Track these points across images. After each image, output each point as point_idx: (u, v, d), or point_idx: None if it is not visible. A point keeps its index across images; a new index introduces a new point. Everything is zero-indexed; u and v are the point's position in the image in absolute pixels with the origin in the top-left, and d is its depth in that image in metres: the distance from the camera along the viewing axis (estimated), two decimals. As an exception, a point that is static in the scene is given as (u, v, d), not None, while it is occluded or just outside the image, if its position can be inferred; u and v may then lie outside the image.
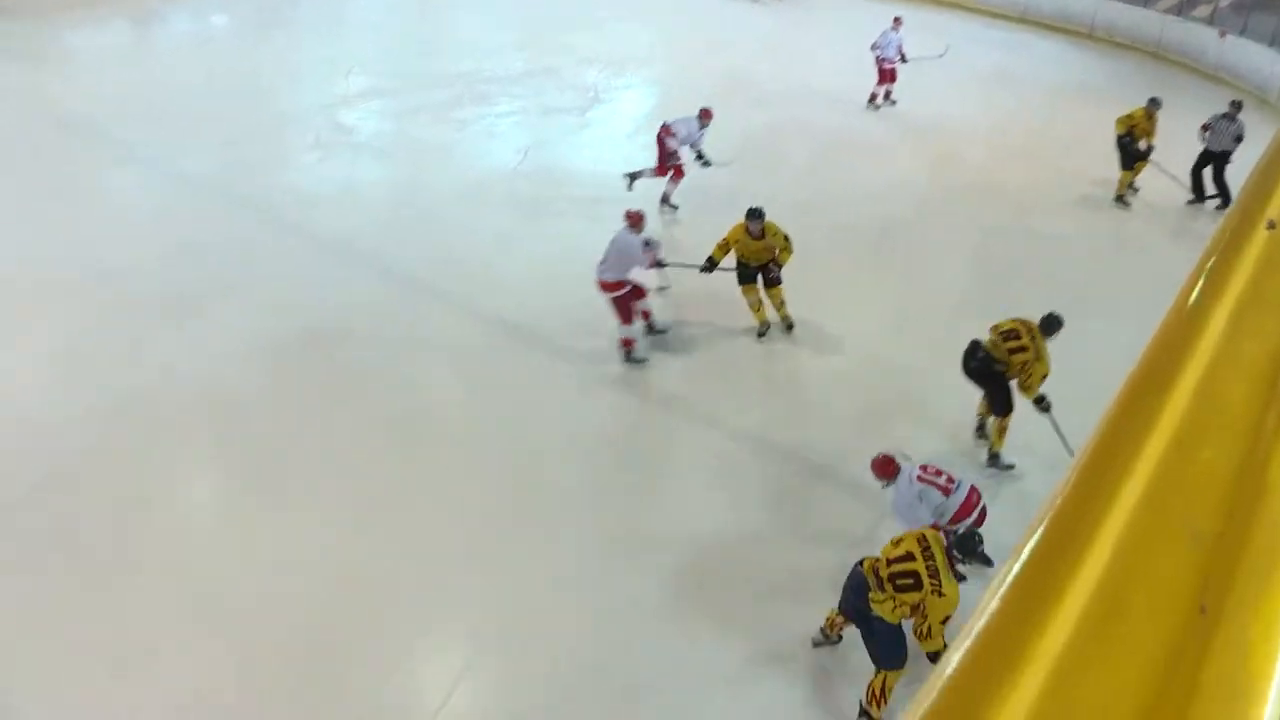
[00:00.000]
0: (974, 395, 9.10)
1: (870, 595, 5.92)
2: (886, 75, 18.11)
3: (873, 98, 18.36)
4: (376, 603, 6.98)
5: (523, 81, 18.49)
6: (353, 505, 7.93)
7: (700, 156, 13.56)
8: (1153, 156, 14.62)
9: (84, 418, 8.87)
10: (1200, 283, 1.41)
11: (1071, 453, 7.85)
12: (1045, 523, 1.40)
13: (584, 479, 8.48)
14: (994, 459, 8.94)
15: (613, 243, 9.91)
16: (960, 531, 6.05)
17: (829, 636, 6.71)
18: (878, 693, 6.13)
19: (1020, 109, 19.35)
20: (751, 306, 10.63)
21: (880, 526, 7.57)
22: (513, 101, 17.50)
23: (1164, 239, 14.05)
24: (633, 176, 13.26)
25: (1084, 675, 1.20)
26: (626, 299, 9.93)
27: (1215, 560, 1.41)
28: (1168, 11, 24.85)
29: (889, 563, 5.88)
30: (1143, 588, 1.34)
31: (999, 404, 8.73)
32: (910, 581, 5.77)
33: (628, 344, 10.14)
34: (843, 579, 6.33)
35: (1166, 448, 1.47)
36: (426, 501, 8.03)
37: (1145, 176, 14.95)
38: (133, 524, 7.63)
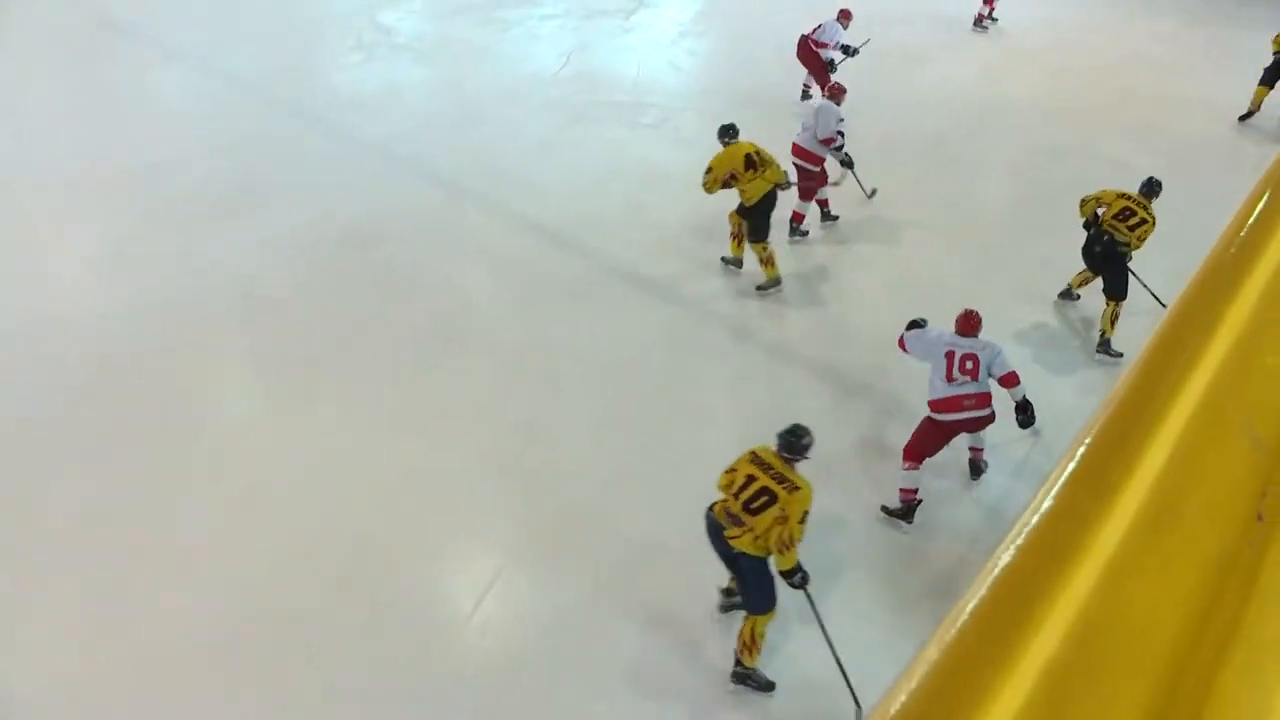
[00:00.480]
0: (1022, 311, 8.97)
1: (727, 534, 5.76)
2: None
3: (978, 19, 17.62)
4: (411, 507, 7.04)
5: (566, -18, 18.17)
6: (390, 409, 7.98)
7: (849, 50, 13.19)
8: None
9: (129, 314, 9.01)
10: (1266, 196, 1.36)
11: (1163, 304, 7.89)
12: (1103, 419, 1.36)
13: (620, 391, 8.41)
14: (1105, 345, 8.97)
15: (817, 111, 10.01)
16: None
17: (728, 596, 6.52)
18: (748, 640, 5.96)
19: (1088, 22, 18.64)
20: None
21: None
22: (557, 4, 17.21)
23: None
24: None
25: (1137, 576, 1.16)
26: (812, 178, 10.17)
27: (1276, 468, 1.37)
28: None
29: (736, 495, 5.74)
30: (1199, 491, 1.30)
31: (1118, 288, 8.83)
32: (765, 499, 5.65)
33: (798, 217, 10.42)
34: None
35: (1229, 351, 1.41)
36: (461, 407, 8.05)
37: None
38: (178, 424, 7.74)
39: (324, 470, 7.31)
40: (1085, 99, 14.83)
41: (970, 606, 1.12)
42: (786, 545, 5.60)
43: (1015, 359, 7.40)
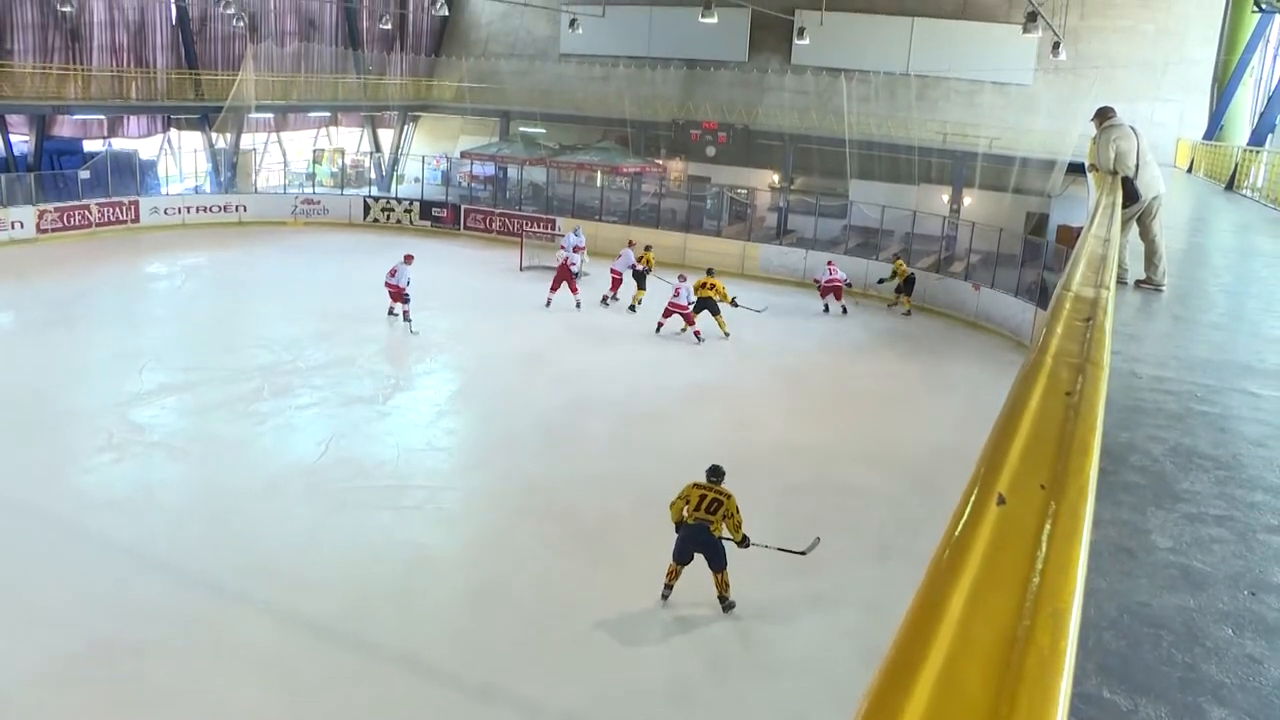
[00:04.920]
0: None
1: (711, 528, 10.31)
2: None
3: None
4: None
5: (322, 372, 18.54)
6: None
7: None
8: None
9: None
10: (939, 564, 1.53)
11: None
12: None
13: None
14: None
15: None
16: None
17: (670, 586, 10.71)
18: (726, 582, 10.64)
19: (805, 369, 20.45)
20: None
21: None
22: (313, 393, 17.49)
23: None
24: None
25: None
26: None
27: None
28: (929, 269, 27.31)
29: (698, 507, 10.32)
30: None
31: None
32: (716, 503, 10.34)
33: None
34: None
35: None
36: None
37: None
38: None
39: None
40: (819, 435, 16.08)
41: None
42: (738, 525, 10.42)
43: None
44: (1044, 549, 1.39)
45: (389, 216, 35.00)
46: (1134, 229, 7.69)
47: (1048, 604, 1.24)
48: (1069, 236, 24.93)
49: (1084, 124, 9.37)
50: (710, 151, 35.95)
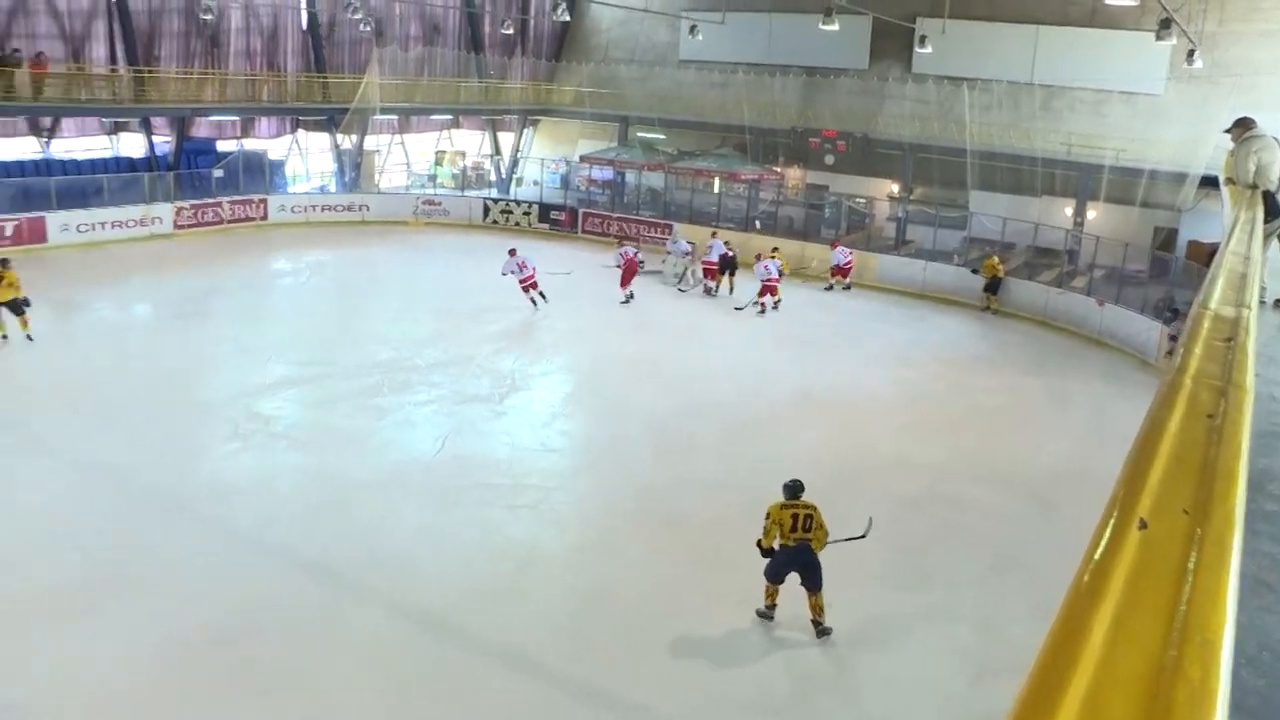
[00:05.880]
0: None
1: (811, 543, 10.17)
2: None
3: None
4: None
5: (441, 369, 18.88)
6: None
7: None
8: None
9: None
10: (1079, 587, 1.50)
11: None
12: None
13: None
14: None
15: None
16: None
17: (773, 607, 10.51)
18: (821, 605, 10.30)
19: (921, 380, 20.13)
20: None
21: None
22: (431, 390, 17.81)
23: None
24: None
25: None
26: None
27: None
28: (1050, 284, 26.68)
29: (794, 528, 10.15)
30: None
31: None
32: (806, 519, 10.20)
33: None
34: None
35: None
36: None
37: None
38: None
39: None
40: (934, 448, 15.82)
41: None
42: (826, 534, 10.29)
43: None
44: (1191, 577, 1.35)
45: (508, 218, 35.43)
46: (1275, 246, 7.40)
47: (1196, 634, 1.20)
48: (1200, 253, 24.14)
49: (1219, 135, 8.98)
50: (829, 159, 35.61)
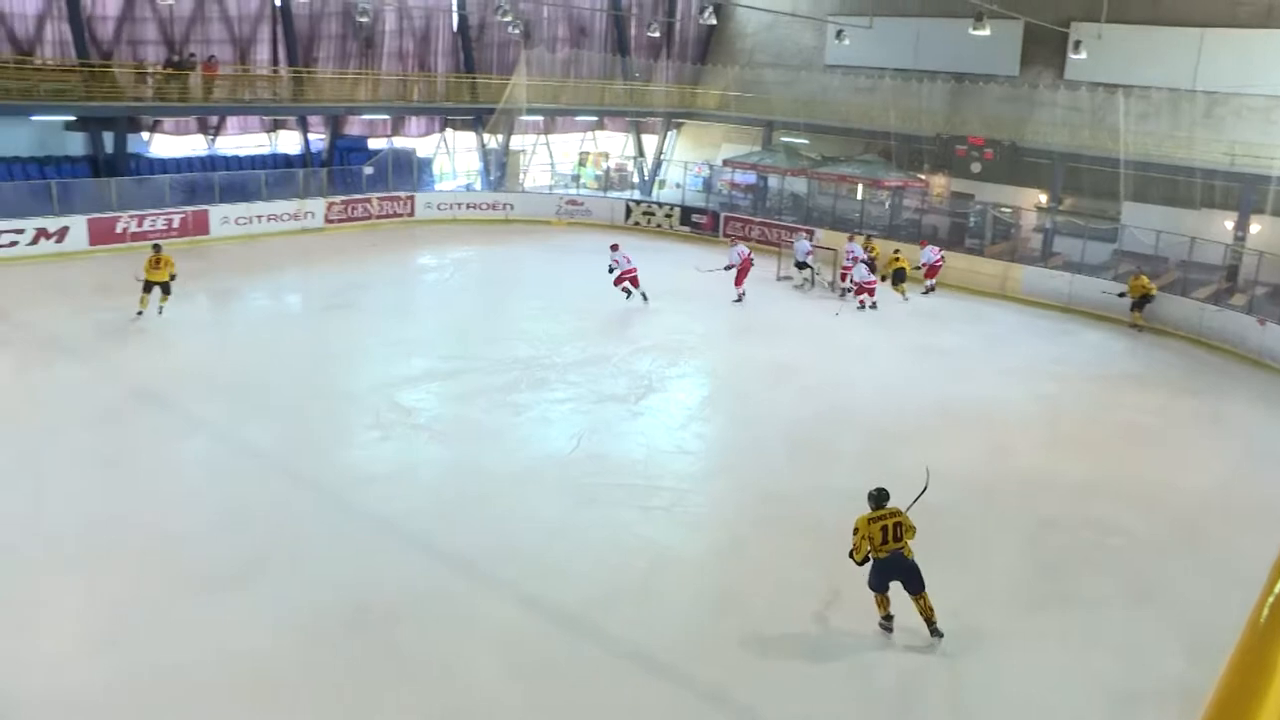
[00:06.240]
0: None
1: (903, 550, 10.03)
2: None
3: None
4: None
5: (579, 368, 19.00)
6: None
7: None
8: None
9: (123, 689, 8.83)
10: (1256, 622, 1.39)
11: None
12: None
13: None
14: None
15: None
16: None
17: (889, 617, 10.35)
18: (932, 607, 10.13)
19: (1065, 396, 19.49)
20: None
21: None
22: (569, 388, 17.95)
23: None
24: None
25: None
26: None
27: None
28: (1206, 300, 25.53)
29: (885, 541, 9.99)
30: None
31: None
32: (898, 527, 10.08)
33: None
34: None
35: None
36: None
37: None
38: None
39: None
40: (1078, 468, 15.30)
41: None
42: (914, 530, 10.19)
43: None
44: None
45: (650, 220, 35.57)
46: None
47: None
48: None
49: None
50: (975, 168, 34.74)
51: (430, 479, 14.07)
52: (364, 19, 31.67)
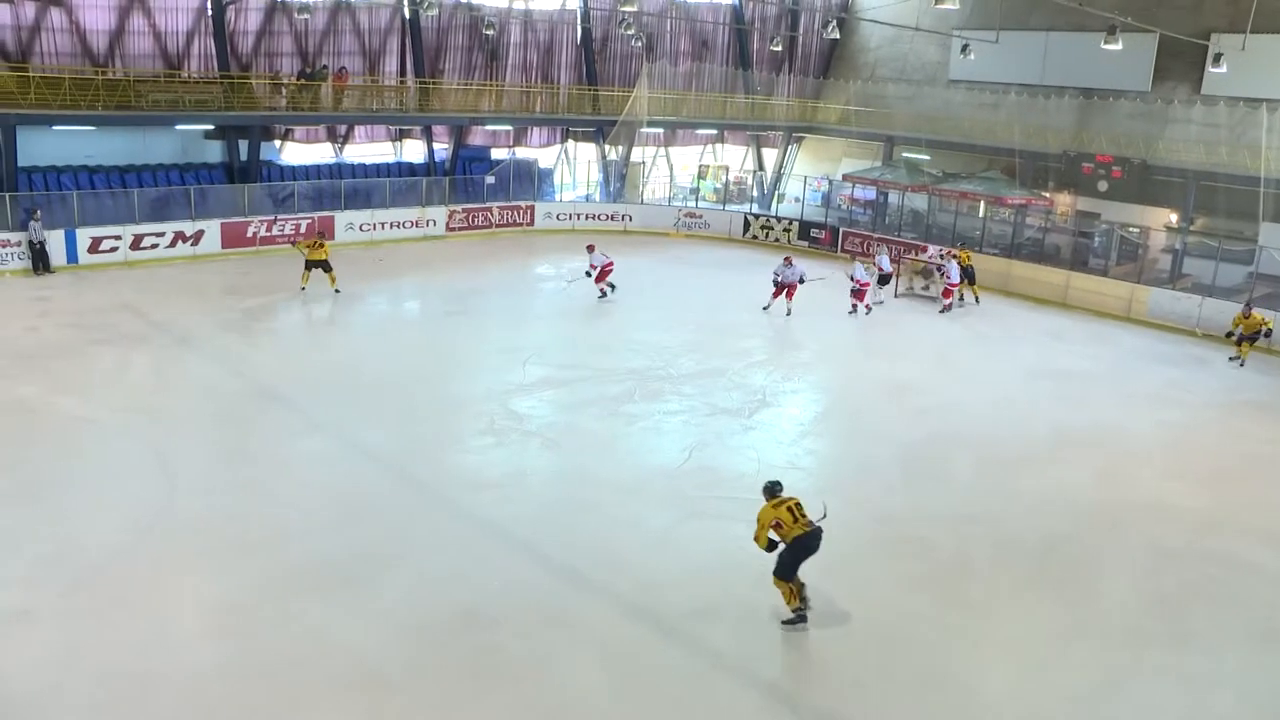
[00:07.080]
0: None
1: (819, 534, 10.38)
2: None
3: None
4: None
5: (693, 381, 19.00)
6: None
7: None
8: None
9: (235, 676, 9.19)
10: None
11: None
12: None
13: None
14: None
15: None
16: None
17: (801, 609, 10.50)
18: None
19: (1189, 424, 18.84)
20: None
21: None
22: (681, 400, 17.95)
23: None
24: None
25: None
26: None
27: None
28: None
29: (797, 518, 10.29)
30: None
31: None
32: (798, 506, 10.41)
33: None
34: None
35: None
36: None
37: None
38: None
39: None
40: (1200, 499, 14.82)
41: None
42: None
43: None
44: None
45: (768, 234, 35.43)
46: None
47: None
48: None
49: None
50: (1102, 186, 33.75)
51: (540, 485, 14.24)
52: (490, 31, 32.27)
